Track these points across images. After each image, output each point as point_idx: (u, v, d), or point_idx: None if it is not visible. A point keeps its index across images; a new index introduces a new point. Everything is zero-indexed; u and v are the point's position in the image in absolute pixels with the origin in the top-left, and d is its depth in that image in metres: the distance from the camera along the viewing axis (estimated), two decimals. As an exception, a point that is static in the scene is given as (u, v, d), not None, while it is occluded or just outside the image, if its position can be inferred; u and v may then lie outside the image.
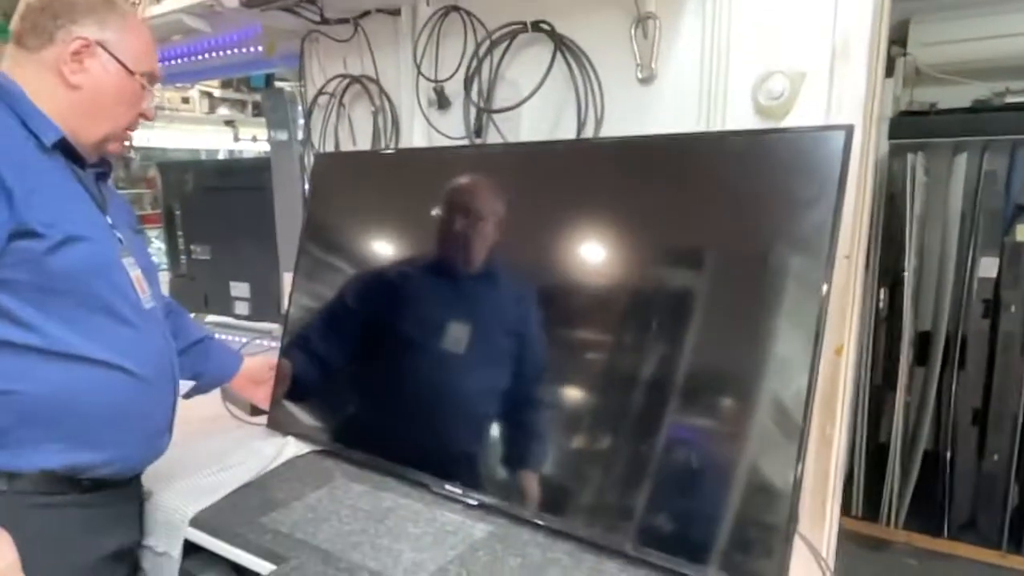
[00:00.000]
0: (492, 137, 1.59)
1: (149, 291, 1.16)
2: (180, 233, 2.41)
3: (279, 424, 1.54)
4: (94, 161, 1.16)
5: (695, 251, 1.12)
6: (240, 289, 2.27)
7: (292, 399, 1.54)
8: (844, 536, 1.33)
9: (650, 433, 1.08)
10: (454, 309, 1.33)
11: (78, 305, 1.03)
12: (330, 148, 1.88)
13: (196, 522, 1.20)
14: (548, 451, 1.19)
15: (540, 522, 1.16)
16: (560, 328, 1.22)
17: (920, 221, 2.84)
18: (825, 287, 0.98)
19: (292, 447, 1.46)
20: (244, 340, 2.09)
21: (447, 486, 1.27)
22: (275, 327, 2.15)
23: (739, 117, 1.32)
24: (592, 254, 1.22)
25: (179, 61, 2.14)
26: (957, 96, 2.97)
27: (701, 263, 1.11)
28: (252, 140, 5.19)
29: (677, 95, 1.39)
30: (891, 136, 2.86)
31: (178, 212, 2.41)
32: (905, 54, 2.90)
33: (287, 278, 1.63)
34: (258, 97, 4.68)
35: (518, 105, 1.50)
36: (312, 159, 1.89)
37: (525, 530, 1.16)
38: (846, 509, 2.86)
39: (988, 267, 2.72)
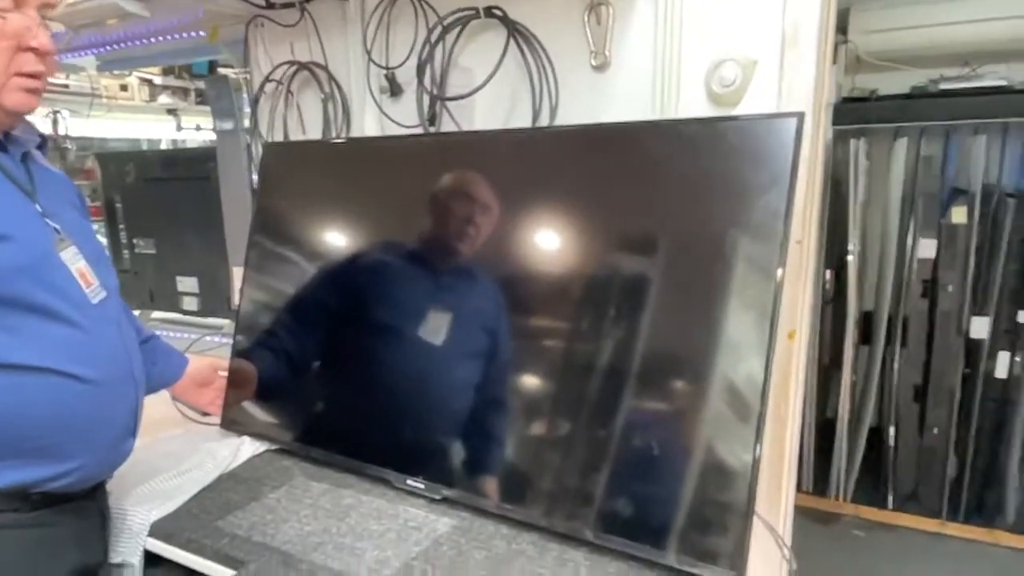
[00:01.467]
0: (446, 125, 1.57)
1: (96, 282, 1.04)
2: (122, 226, 2.31)
3: (233, 424, 1.49)
4: (10, 132, 1.02)
5: (652, 238, 1.12)
6: (187, 284, 2.20)
7: (246, 398, 1.49)
8: (796, 511, 1.37)
9: (609, 420, 1.08)
10: (418, 302, 1.30)
11: (9, 311, 0.93)
12: (279, 137, 1.82)
13: (154, 530, 1.15)
14: (510, 442, 1.19)
15: (504, 514, 1.15)
16: (519, 318, 1.21)
17: (863, 205, 2.93)
18: (780, 272, 0.99)
19: (248, 447, 1.43)
20: (193, 337, 2.02)
21: (409, 481, 1.25)
22: (225, 323, 2.09)
23: (692, 104, 1.33)
24: (549, 242, 1.21)
25: (116, 47, 2.03)
26: (896, 83, 3.06)
27: (658, 250, 1.11)
28: (196, 129, 4.99)
29: (631, 82, 1.39)
30: (834, 122, 2.92)
31: (119, 204, 2.30)
32: (846, 42, 2.97)
33: (237, 272, 1.58)
34: (201, 85, 4.51)
35: (472, 92, 1.47)
36: (260, 148, 1.83)
37: (490, 522, 1.16)
38: (797, 485, 2.94)
39: (926, 248, 2.81)
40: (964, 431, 2.78)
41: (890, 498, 2.89)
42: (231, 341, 1.56)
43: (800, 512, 2.83)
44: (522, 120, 1.48)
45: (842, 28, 2.97)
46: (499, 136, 1.40)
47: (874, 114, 2.96)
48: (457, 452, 1.24)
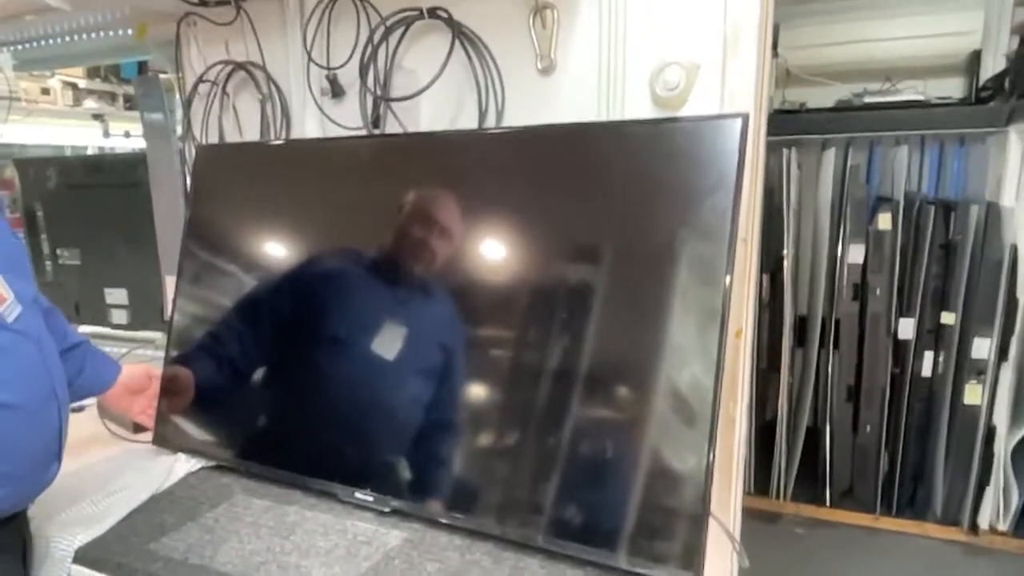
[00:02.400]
0: (391, 126, 1.53)
1: (10, 297, 0.96)
2: (44, 236, 2.17)
3: (166, 440, 1.42)
4: None
5: (599, 242, 1.12)
6: (116, 296, 2.08)
7: (180, 412, 1.42)
8: (742, 511, 1.39)
9: (559, 428, 1.07)
10: (371, 314, 1.26)
11: None
12: (213, 140, 1.75)
13: (80, 557, 1.07)
14: (461, 452, 1.16)
15: (457, 524, 1.12)
16: (469, 329, 1.19)
17: (795, 212, 3.02)
18: (728, 271, 1.00)
19: (183, 464, 1.36)
20: (123, 351, 1.92)
21: (357, 494, 1.21)
22: (158, 336, 1.99)
23: (637, 108, 1.33)
24: (496, 248, 1.19)
25: (35, 44, 1.92)
26: (823, 96, 3.19)
27: (605, 254, 1.11)
28: (125, 136, 4.75)
29: (577, 86, 1.38)
30: (767, 133, 3.01)
31: (40, 213, 2.16)
32: (776, 56, 3.07)
33: (170, 282, 1.50)
34: (130, 89, 4.32)
35: (417, 94, 1.44)
36: (194, 152, 1.75)
37: (442, 534, 1.13)
38: (740, 486, 3.00)
39: (855, 254, 2.91)
40: (894, 429, 2.88)
41: (828, 495, 2.96)
42: (164, 355, 1.48)
43: (744, 512, 2.89)
44: (468, 122, 1.46)
45: (773, 43, 3.07)
46: (445, 138, 1.37)
47: (803, 126, 3.07)
48: (407, 463, 1.20)
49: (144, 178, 1.88)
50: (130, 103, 4.58)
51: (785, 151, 2.96)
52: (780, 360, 2.98)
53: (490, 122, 1.44)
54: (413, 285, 1.25)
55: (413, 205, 1.26)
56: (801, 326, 3.18)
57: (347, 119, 1.56)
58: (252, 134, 1.71)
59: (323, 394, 1.27)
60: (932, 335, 2.85)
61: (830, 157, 3.02)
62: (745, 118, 1.03)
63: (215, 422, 1.41)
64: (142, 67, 2.19)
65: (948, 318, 2.78)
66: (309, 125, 1.64)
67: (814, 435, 3.06)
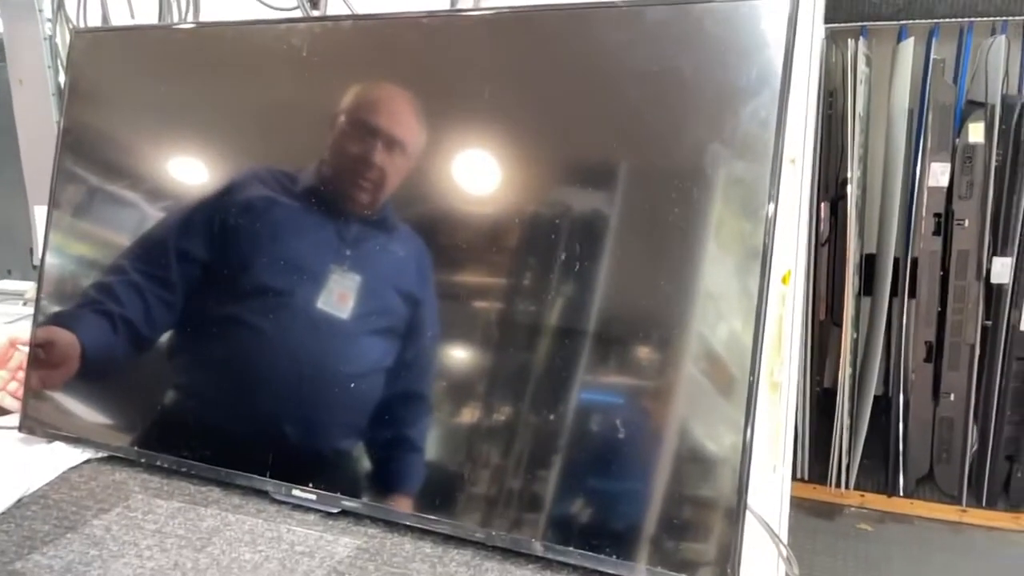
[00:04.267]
0: (334, 7, 1.51)
1: None
2: None
3: (39, 425, 1.40)
4: None
5: (608, 159, 1.10)
6: (-33, 235, 2.07)
7: (58, 388, 1.40)
8: (791, 504, 1.40)
9: (560, 401, 1.07)
10: (315, 258, 1.24)
11: None
12: (95, 23, 1.72)
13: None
14: (433, 432, 1.16)
15: (426, 527, 1.13)
16: (444, 275, 1.19)
17: (862, 122, 2.99)
18: (772, 198, 0.99)
19: (62, 456, 1.35)
20: (-18, 310, 1.91)
21: (296, 492, 1.20)
22: (28, 286, 1.97)
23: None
24: (477, 168, 1.18)
25: None
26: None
27: (617, 175, 1.09)
28: None
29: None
30: (826, 19, 2.96)
31: None
32: (840, -86, 3.01)
33: (40, 214, 1.48)
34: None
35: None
36: (68, 39, 1.72)
37: (407, 539, 1.13)
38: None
39: (938, 175, 2.91)
40: (986, 397, 2.92)
41: (901, 483, 3.02)
42: (34, 313, 1.46)
43: (795, 504, 2.92)
44: (435, 2, 1.42)
45: None
46: (406, 22, 1.32)
47: (874, 8, 3.03)
48: (361, 449, 1.21)
49: (2, 73, 1.85)
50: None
51: (850, 42, 2.93)
52: (841, 311, 3.00)
53: (466, 2, 1.41)
54: (366, 219, 1.23)
55: (348, 111, 1.23)
56: (868, 268, 3.19)
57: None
58: (148, 15, 1.68)
59: (251, 362, 1.26)
60: (1034, 278, 2.87)
61: (907, 49, 2.98)
62: (795, -2, 1.00)
63: (106, 400, 1.39)
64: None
65: (1057, 256, 2.80)
66: (226, 3, 1.61)
67: (884, 406, 3.10)
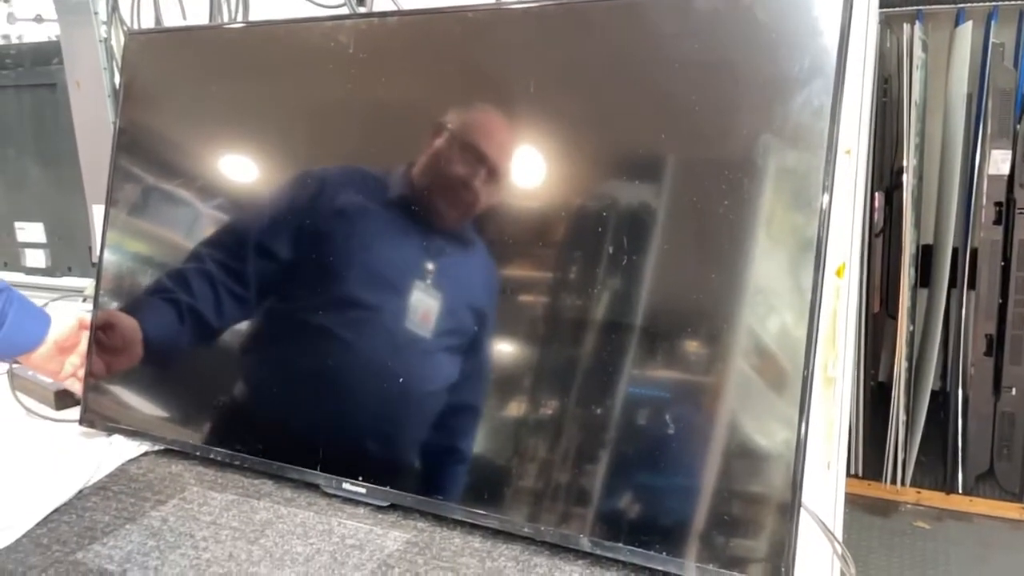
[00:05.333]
0: (380, 3, 1.51)
1: None
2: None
3: (98, 419, 1.44)
4: None
5: (658, 151, 1.10)
6: (31, 232, 2.12)
7: (118, 377, 1.44)
8: (845, 501, 1.38)
9: (609, 396, 1.07)
10: (389, 264, 1.26)
11: None
12: (148, 24, 1.75)
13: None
14: (482, 426, 1.17)
15: (475, 522, 1.13)
16: (501, 278, 1.19)
17: (919, 109, 2.94)
18: (826, 189, 0.98)
19: (120, 450, 1.38)
20: (42, 303, 1.96)
21: (346, 485, 1.22)
22: (87, 283, 2.01)
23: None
24: (527, 164, 1.18)
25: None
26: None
27: (666, 168, 1.09)
28: (36, 21, 4.78)
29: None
30: (881, 3, 2.90)
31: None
32: None
33: (97, 212, 1.51)
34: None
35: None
36: (123, 40, 1.75)
37: (456, 534, 1.14)
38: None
39: (999, 162, 2.84)
40: (1049, 390, 2.85)
41: (960, 479, 2.96)
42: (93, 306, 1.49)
43: (850, 501, 2.88)
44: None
45: None
46: (451, 17, 1.32)
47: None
48: (410, 444, 1.22)
49: (60, 76, 1.88)
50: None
51: (906, 27, 2.89)
52: (898, 303, 2.96)
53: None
54: (449, 233, 1.24)
55: (456, 129, 1.22)
56: (925, 259, 3.14)
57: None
58: (199, 15, 1.70)
59: (314, 362, 1.28)
60: (1101, 268, 2.79)
61: (966, 33, 2.91)
62: (851, -18, 0.98)
63: (164, 393, 1.42)
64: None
65: (1122, 245, 2.72)
66: (273, 3, 1.62)
67: (941, 401, 3.05)
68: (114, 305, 1.45)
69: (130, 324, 1.40)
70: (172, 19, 1.74)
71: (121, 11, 1.77)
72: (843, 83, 0.99)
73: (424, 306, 1.22)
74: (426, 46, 1.27)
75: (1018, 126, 2.83)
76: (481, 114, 1.23)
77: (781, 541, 0.96)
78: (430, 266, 1.23)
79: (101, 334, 1.43)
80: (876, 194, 2.99)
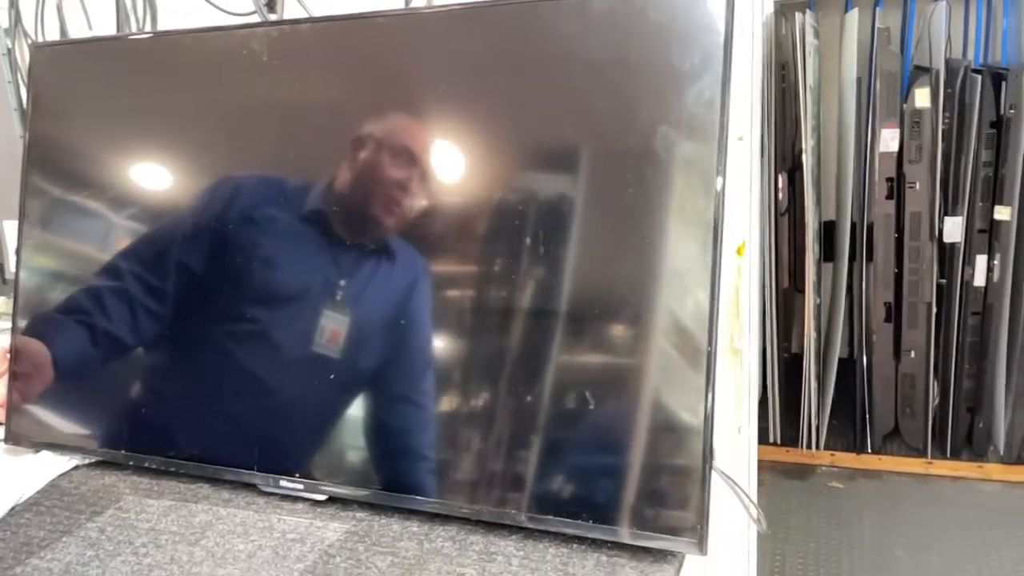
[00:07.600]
0: (291, 10, 1.51)
1: None
2: None
3: (24, 436, 1.41)
4: None
5: (564, 146, 1.13)
6: (-64, 251, 2.03)
7: (41, 400, 1.40)
8: (763, 468, 1.44)
9: (536, 382, 1.10)
10: (305, 284, 1.25)
11: None
12: (53, 36, 1.71)
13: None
14: (415, 417, 1.19)
15: (413, 507, 1.15)
16: (433, 283, 1.20)
17: (814, 93, 3.02)
18: (719, 174, 1.02)
19: (51, 464, 1.35)
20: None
21: (283, 482, 1.22)
22: (2, 302, 1.95)
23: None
24: (444, 163, 1.20)
25: None
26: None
27: (572, 160, 1.12)
28: None
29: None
30: (774, -5, 3.01)
31: None
32: None
33: (9, 228, 1.47)
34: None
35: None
36: (28, 53, 1.71)
37: (394, 520, 1.15)
38: (763, 437, 3.10)
39: (889, 140, 2.95)
40: (944, 352, 2.98)
41: (868, 440, 3.09)
42: (11, 327, 1.45)
43: (769, 467, 2.99)
44: (391, 1, 1.44)
45: None
46: (362, 23, 1.34)
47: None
48: (345, 439, 1.23)
49: None
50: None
51: (798, 16, 2.96)
52: (804, 278, 3.05)
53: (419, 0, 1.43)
54: (371, 244, 1.22)
55: (380, 139, 1.20)
56: (828, 235, 3.24)
57: (232, 2, 1.54)
58: (105, 25, 1.68)
59: (235, 363, 1.28)
60: (984, 235, 2.94)
61: (853, 20, 3.03)
62: (732, -21, 1.03)
63: (89, 408, 1.40)
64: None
65: (1003, 213, 2.86)
66: (182, 11, 1.61)
67: (849, 368, 3.15)
68: (30, 325, 1.41)
69: (38, 349, 1.37)
70: (77, 29, 1.70)
71: (24, 23, 1.73)
72: (730, 76, 1.02)
73: (333, 325, 1.22)
74: (339, 52, 1.27)
75: (904, 105, 2.95)
76: (401, 117, 1.23)
77: (697, 503, 1.00)
78: (342, 281, 1.23)
79: (17, 360, 1.40)
80: (779, 175, 3.07)
